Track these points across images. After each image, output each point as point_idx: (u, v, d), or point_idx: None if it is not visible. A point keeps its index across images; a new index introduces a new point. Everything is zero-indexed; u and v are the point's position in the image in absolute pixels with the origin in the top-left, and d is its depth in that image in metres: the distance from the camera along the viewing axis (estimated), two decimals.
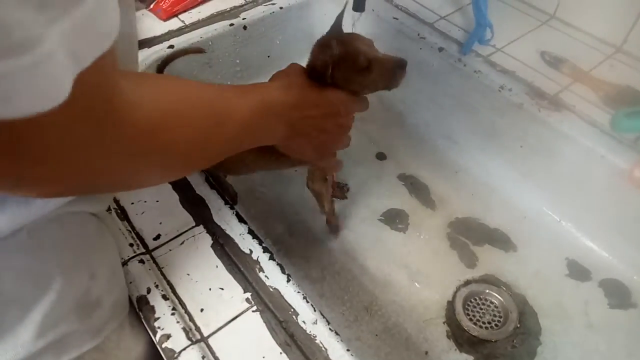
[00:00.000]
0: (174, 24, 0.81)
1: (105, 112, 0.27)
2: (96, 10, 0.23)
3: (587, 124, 0.66)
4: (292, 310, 0.48)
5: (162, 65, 0.64)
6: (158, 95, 0.33)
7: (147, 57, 0.73)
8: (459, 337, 0.62)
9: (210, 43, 0.79)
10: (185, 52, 0.68)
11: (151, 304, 0.47)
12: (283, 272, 0.51)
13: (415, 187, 0.79)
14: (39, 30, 0.21)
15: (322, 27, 0.54)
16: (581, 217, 0.70)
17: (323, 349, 0.45)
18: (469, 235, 0.73)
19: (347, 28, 0.52)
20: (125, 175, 0.32)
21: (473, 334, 0.63)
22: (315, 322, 0.47)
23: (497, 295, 0.66)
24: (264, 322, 0.47)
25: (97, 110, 0.26)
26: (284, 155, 0.52)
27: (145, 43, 0.76)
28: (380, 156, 0.83)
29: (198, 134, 0.36)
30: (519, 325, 0.63)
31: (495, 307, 0.66)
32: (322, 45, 0.49)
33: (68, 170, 0.27)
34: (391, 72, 0.48)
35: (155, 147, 0.32)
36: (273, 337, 0.46)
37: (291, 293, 0.49)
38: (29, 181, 0.27)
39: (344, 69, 0.47)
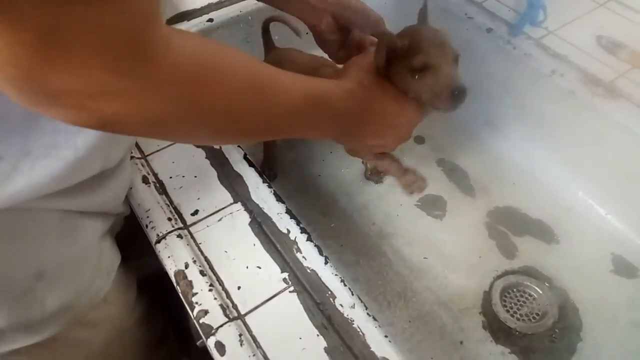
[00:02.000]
0: None
1: (141, 41, 0.26)
2: None
3: None
4: (329, 292, 0.47)
5: (266, 23, 0.66)
6: (200, 49, 0.31)
7: (186, 30, 0.72)
8: (496, 328, 0.61)
9: (249, 17, 0.78)
10: (286, 22, 0.64)
11: (189, 278, 0.47)
12: (321, 253, 0.50)
13: (454, 173, 0.76)
14: None
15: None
16: (630, 211, 0.67)
17: (360, 333, 0.45)
18: (509, 225, 0.70)
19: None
20: (158, 117, 0.30)
21: (510, 326, 0.61)
22: (352, 306, 0.46)
23: (536, 288, 0.64)
24: (301, 303, 0.46)
25: (134, 36, 0.25)
26: None
27: (185, 16, 0.75)
28: (419, 140, 0.81)
29: (237, 101, 0.34)
30: (558, 320, 0.61)
31: (534, 299, 0.64)
32: (387, 35, 0.46)
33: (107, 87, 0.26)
34: (447, 90, 0.43)
35: (190, 97, 0.30)
36: (310, 318, 0.45)
37: (329, 275, 0.48)
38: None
39: (398, 64, 0.44)
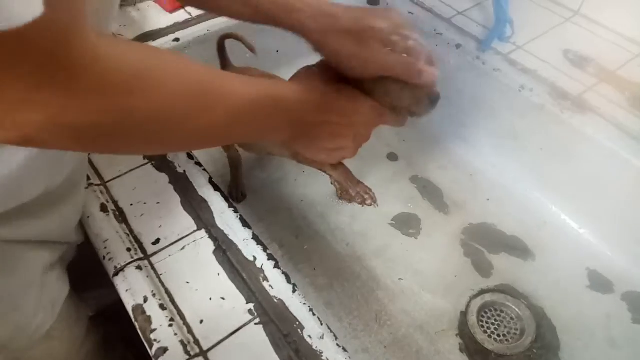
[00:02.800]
0: (180, 16, 0.78)
1: (61, 53, 0.24)
2: None
3: (612, 127, 0.62)
4: (297, 323, 0.45)
5: (221, 40, 0.64)
6: (133, 57, 0.30)
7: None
8: (473, 351, 0.59)
9: (217, 37, 0.76)
10: (240, 39, 0.64)
11: (147, 314, 0.44)
12: (289, 281, 0.48)
13: (428, 190, 0.75)
14: None
15: None
16: (604, 225, 0.66)
17: None
18: (484, 242, 0.69)
19: None
20: (87, 129, 0.28)
21: (487, 348, 0.59)
22: (321, 337, 0.44)
23: (513, 307, 0.63)
24: (267, 335, 0.44)
25: (52, 48, 0.24)
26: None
27: (150, 36, 0.73)
28: (392, 157, 0.80)
29: (176, 107, 0.32)
30: (536, 340, 0.60)
31: (512, 319, 0.62)
32: None
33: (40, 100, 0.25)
34: (425, 97, 0.43)
35: (121, 107, 0.29)
36: (276, 352, 0.43)
37: (297, 304, 0.46)
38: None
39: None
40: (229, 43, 0.65)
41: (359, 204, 0.55)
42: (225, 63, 0.65)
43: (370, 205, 0.55)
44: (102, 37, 0.26)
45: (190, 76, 0.33)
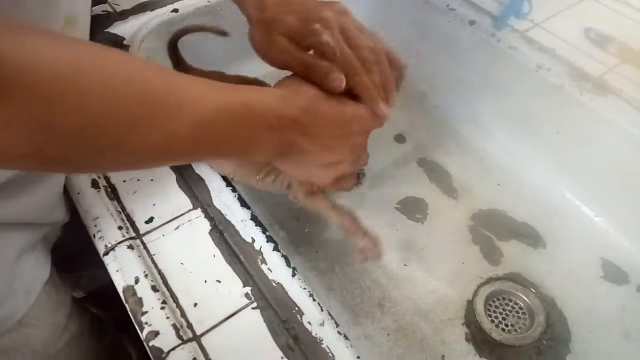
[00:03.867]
0: None
1: None
2: None
3: (635, 110, 0.59)
4: (296, 308, 0.42)
5: (174, 40, 0.55)
6: (51, 54, 0.24)
7: (147, 21, 0.67)
8: (480, 340, 0.57)
9: (218, 8, 0.73)
10: (201, 29, 0.55)
11: (139, 295, 0.42)
12: (288, 264, 0.45)
13: (436, 173, 0.72)
14: None
15: None
16: (620, 214, 0.63)
17: (330, 354, 0.40)
18: (494, 228, 0.66)
19: None
20: (10, 148, 0.24)
21: (495, 338, 0.57)
22: (322, 324, 0.42)
23: (522, 296, 0.60)
24: (265, 321, 0.42)
25: None
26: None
27: (147, 6, 0.70)
28: (399, 139, 0.77)
29: (114, 117, 0.26)
30: (545, 331, 0.57)
31: (520, 308, 0.60)
32: None
33: None
34: None
35: (41, 119, 0.24)
36: (274, 338, 0.41)
37: (296, 289, 0.44)
38: None
39: None
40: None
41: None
42: (180, 66, 0.55)
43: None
44: (7, 30, 0.22)
45: (135, 81, 0.28)
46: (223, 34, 0.54)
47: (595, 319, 0.58)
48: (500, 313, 0.59)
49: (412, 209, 0.68)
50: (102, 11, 0.69)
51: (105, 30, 0.66)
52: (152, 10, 0.69)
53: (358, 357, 0.40)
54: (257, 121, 0.34)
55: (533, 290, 0.61)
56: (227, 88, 0.33)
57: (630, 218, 0.62)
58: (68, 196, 0.49)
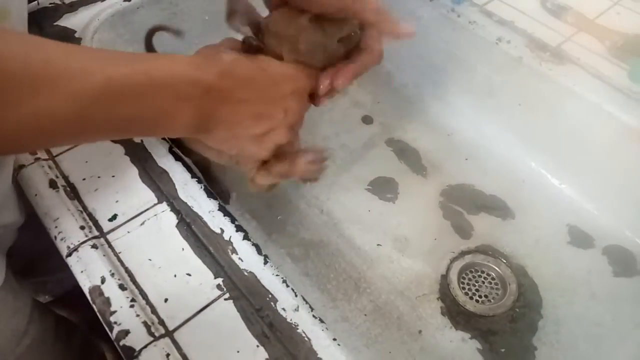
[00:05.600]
0: None
1: None
2: None
3: (593, 78, 0.60)
4: (270, 296, 0.42)
5: (148, 40, 0.52)
6: None
7: (99, 12, 0.64)
8: (455, 313, 0.58)
9: None
10: (164, 28, 0.52)
11: (106, 295, 0.41)
12: (259, 253, 0.45)
13: (405, 152, 0.72)
14: None
15: None
16: (584, 180, 0.65)
17: (306, 339, 0.40)
18: (463, 203, 0.67)
19: None
20: None
21: (469, 309, 0.58)
22: (296, 309, 0.41)
23: (494, 267, 0.61)
24: (238, 311, 0.41)
25: None
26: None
27: None
28: (367, 120, 0.76)
29: None
30: (518, 299, 0.59)
31: (493, 279, 0.61)
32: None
33: None
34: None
35: None
36: (249, 327, 0.40)
37: (269, 277, 0.43)
38: None
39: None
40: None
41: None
42: None
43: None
44: None
45: (10, 54, 0.25)
46: (178, 33, 0.51)
47: (565, 284, 0.60)
48: (474, 285, 0.60)
49: (383, 189, 0.68)
50: (50, 4, 0.66)
51: (55, 24, 0.63)
52: (102, 0, 0.66)
53: (334, 339, 0.40)
54: (162, 92, 0.30)
55: (504, 261, 0.62)
56: (125, 58, 0.30)
57: (594, 183, 0.64)
58: (22, 197, 0.47)
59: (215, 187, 0.64)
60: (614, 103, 0.58)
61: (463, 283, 0.60)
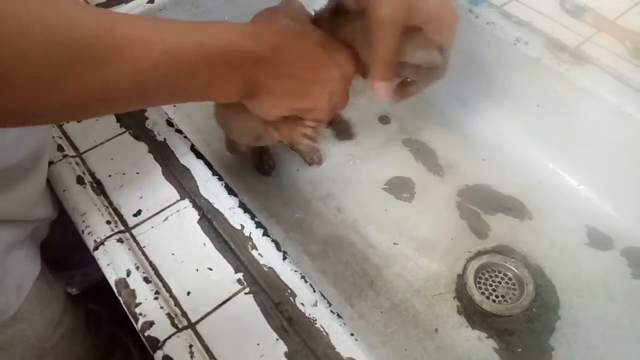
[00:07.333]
0: None
1: None
2: None
3: (612, 79, 0.60)
4: (289, 291, 0.43)
5: None
6: None
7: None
8: (471, 312, 0.58)
9: None
10: None
11: (131, 287, 0.42)
12: (279, 249, 0.46)
13: (422, 152, 0.73)
14: None
15: None
16: (603, 181, 0.64)
17: (324, 333, 0.41)
18: (480, 203, 0.67)
19: None
20: None
21: (486, 309, 0.58)
22: (315, 304, 0.42)
23: (511, 267, 0.61)
24: (258, 305, 0.42)
25: None
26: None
27: None
28: (384, 120, 0.77)
29: (38, 66, 0.24)
30: (535, 299, 0.59)
31: (510, 279, 0.61)
32: None
33: None
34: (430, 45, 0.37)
35: None
36: (268, 321, 0.41)
37: (288, 272, 0.44)
38: None
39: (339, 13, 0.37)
40: None
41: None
42: None
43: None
44: None
45: (59, 26, 0.25)
46: None
47: (583, 285, 0.59)
48: (490, 285, 0.61)
49: (400, 188, 0.69)
50: None
51: None
52: (127, 2, 0.68)
53: (352, 334, 0.41)
54: (215, 62, 0.31)
55: (521, 261, 0.62)
56: (181, 29, 0.31)
57: (612, 184, 0.63)
58: (54, 193, 0.49)
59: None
60: (633, 104, 0.58)
61: (480, 283, 0.61)
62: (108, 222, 0.46)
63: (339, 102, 0.38)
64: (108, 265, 0.44)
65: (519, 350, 0.55)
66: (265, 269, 0.44)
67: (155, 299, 0.42)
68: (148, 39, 0.29)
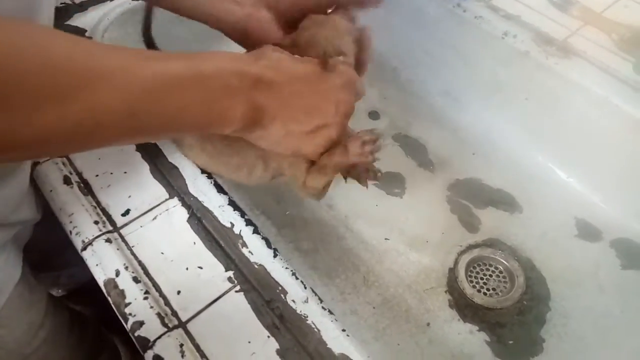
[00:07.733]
0: None
1: None
2: None
3: (599, 71, 0.60)
4: (280, 288, 0.43)
5: (146, 29, 0.53)
6: None
7: (109, 11, 0.65)
8: (462, 306, 0.58)
9: None
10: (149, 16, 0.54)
11: (120, 287, 0.42)
12: (269, 246, 0.45)
13: (412, 148, 0.73)
14: None
15: None
16: (591, 173, 0.65)
17: (316, 330, 0.41)
18: (471, 197, 0.67)
19: None
20: None
21: (477, 302, 0.58)
22: (306, 301, 0.42)
23: (502, 260, 0.62)
24: (249, 303, 0.42)
25: None
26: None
27: None
28: (374, 115, 0.77)
29: (18, 91, 0.23)
30: (526, 292, 0.59)
31: (500, 272, 0.61)
32: None
33: None
34: None
35: None
36: (259, 319, 0.41)
37: (279, 269, 0.44)
38: None
39: None
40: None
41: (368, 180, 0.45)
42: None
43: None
44: None
45: (41, 52, 0.24)
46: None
47: (572, 277, 0.60)
48: (482, 278, 0.61)
49: (390, 184, 0.69)
50: (61, 3, 0.67)
51: (65, 23, 0.64)
52: (112, 0, 0.67)
53: (343, 330, 0.41)
54: (209, 83, 0.30)
55: (511, 254, 0.62)
56: (171, 56, 0.30)
57: (601, 176, 0.64)
58: (38, 194, 0.48)
59: None
60: (620, 96, 0.58)
61: (471, 276, 0.61)
62: (96, 222, 0.46)
63: (347, 109, 0.38)
64: (97, 265, 0.43)
65: (510, 342, 0.55)
66: (256, 266, 0.44)
67: (145, 298, 0.41)
68: (133, 62, 0.28)
